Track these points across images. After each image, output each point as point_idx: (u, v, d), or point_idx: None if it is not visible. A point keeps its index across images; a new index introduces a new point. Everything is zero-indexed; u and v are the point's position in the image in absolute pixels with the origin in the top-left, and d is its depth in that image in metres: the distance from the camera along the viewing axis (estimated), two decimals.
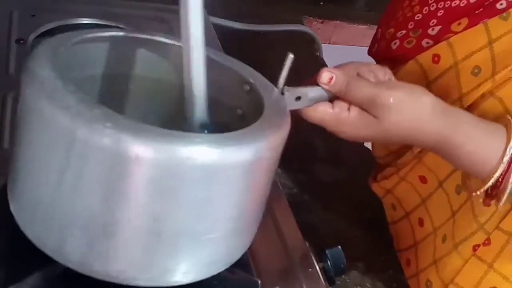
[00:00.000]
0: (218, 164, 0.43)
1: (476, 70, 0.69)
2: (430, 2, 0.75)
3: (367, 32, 1.37)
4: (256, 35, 1.20)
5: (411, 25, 0.76)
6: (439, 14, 0.73)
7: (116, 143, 0.41)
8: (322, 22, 1.38)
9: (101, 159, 0.42)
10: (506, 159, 0.59)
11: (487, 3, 0.69)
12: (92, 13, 0.84)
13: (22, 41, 0.76)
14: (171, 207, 0.44)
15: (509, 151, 0.59)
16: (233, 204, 0.46)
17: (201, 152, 0.42)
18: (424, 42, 0.74)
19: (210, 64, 0.53)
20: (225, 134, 0.44)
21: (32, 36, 0.78)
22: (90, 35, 0.52)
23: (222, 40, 0.90)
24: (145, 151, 0.41)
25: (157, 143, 0.41)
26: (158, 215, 0.43)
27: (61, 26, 0.81)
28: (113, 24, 0.81)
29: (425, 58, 0.73)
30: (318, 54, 1.26)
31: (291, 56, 0.53)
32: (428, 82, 0.73)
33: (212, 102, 0.52)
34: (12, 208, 0.49)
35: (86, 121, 0.41)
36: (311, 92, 0.57)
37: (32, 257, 0.47)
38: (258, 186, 0.48)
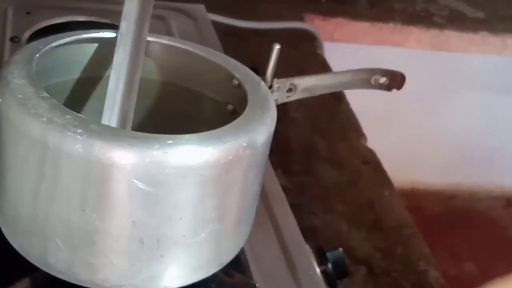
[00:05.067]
0: (195, 165, 0.42)
1: None
2: None
3: (369, 29, 1.37)
4: (256, 32, 1.20)
5: None
6: None
7: (89, 150, 0.40)
8: (323, 20, 1.37)
9: (75, 166, 0.41)
10: None
11: None
12: (88, 11, 0.83)
13: (16, 39, 0.76)
14: (151, 212, 0.43)
15: None
16: (216, 205, 0.46)
17: (176, 154, 0.41)
18: None
19: (197, 59, 0.53)
20: (201, 134, 0.43)
21: (27, 34, 0.78)
22: (74, 37, 0.52)
23: (221, 37, 0.89)
24: (118, 157, 0.41)
25: (130, 148, 0.41)
26: (138, 220, 0.43)
27: (56, 24, 0.80)
28: (109, 22, 0.80)
29: None
30: (319, 52, 1.26)
31: (277, 47, 0.52)
32: None
33: (202, 98, 0.51)
34: None
35: (57, 128, 0.41)
36: (303, 82, 0.55)
37: (22, 263, 0.47)
38: (241, 184, 0.47)
